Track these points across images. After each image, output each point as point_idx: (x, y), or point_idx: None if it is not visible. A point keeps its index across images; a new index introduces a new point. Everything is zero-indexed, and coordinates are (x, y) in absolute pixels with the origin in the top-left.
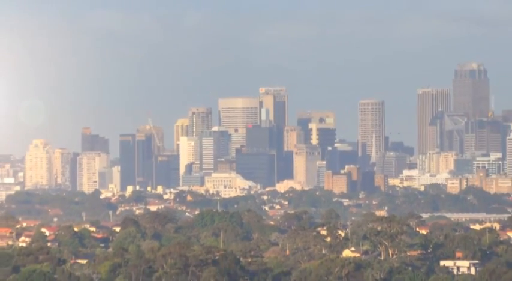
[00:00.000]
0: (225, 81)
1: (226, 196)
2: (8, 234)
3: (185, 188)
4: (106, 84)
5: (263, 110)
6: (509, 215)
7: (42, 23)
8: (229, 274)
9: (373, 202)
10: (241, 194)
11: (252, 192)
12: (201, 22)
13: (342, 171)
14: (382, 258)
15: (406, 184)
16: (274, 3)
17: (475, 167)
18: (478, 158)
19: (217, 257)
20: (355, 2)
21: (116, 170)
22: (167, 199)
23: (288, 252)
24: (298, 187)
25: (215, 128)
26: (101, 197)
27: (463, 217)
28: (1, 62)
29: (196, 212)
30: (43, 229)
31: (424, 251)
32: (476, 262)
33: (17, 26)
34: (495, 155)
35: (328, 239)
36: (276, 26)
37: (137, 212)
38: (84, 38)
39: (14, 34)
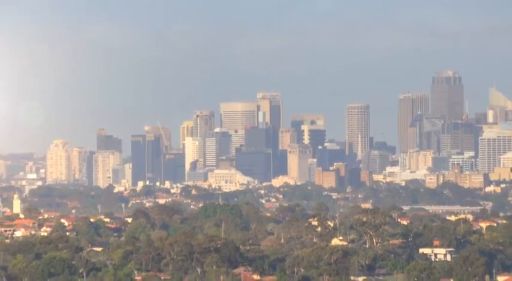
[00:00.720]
0: (222, 86)
1: (227, 190)
2: (31, 225)
3: (190, 183)
4: (110, 89)
5: (260, 113)
6: (481, 207)
7: (45, 31)
8: (230, 261)
9: (359, 196)
10: (240, 189)
11: (250, 187)
12: (187, 33)
13: (331, 168)
14: (367, 246)
15: (388, 179)
16: (254, 17)
17: (450, 164)
18: (453, 156)
19: (219, 245)
20: (334, 12)
21: (128, 167)
22: (174, 193)
23: (282, 241)
24: (291, 182)
25: (217, 129)
26: (114, 191)
27: (439, 209)
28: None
29: (200, 205)
30: (62, 220)
31: (405, 240)
32: (452, 249)
33: (21, 32)
34: (468, 154)
35: (319, 229)
36: (260, 37)
37: (147, 204)
38: (82, 47)
39: (18, 39)
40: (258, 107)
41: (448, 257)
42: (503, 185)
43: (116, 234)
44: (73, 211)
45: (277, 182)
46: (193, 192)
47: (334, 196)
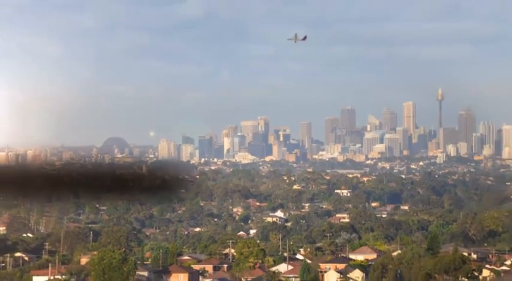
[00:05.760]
0: (240, 113)
1: (244, 163)
2: None
3: (227, 159)
4: (187, 116)
5: (259, 126)
6: (364, 171)
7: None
8: (245, 196)
9: (306, 165)
10: (250, 162)
11: (255, 161)
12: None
13: (293, 152)
14: (310, 189)
15: (320, 157)
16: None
17: (349, 150)
18: (351, 147)
19: (240, 189)
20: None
21: (197, 152)
22: (218, 164)
23: (270, 186)
24: (274, 159)
25: (239, 134)
26: (190, 162)
27: (344, 171)
28: None
29: (232, 170)
30: None
31: (328, 186)
32: (350, 190)
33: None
34: (358, 145)
35: (287, 181)
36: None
37: (206, 169)
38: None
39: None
40: (258, 123)
41: (349, 195)
42: (374, 160)
43: (191, 183)
44: None
45: (267, 159)
46: (228, 163)
47: (295, 165)
